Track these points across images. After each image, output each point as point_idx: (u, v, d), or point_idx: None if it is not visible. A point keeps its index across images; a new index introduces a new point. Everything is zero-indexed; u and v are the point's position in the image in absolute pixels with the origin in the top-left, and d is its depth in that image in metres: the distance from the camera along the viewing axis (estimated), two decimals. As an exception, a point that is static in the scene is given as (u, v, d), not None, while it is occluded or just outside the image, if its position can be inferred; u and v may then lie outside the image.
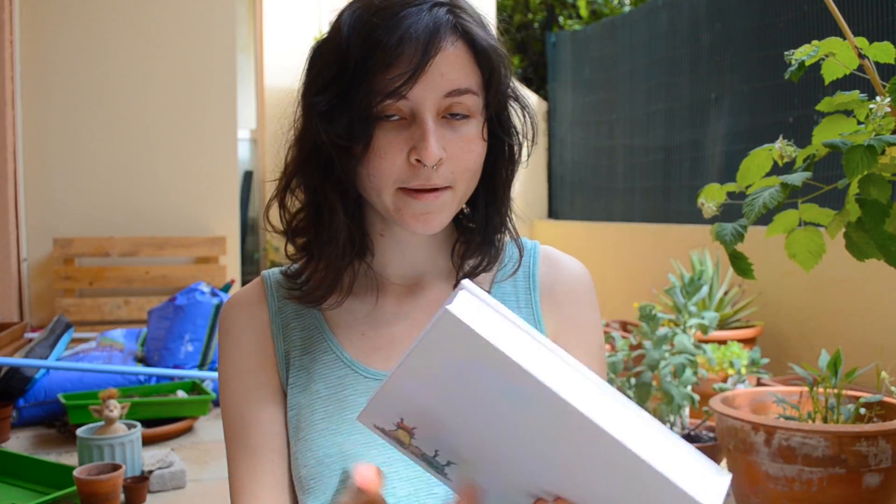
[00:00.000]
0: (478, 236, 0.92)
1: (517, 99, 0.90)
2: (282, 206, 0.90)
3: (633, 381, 2.54)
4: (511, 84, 0.88)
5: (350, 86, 0.80)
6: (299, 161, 0.87)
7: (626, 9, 6.93)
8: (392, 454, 0.85)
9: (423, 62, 0.78)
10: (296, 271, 0.93)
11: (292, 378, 0.91)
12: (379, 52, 0.79)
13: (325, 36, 0.86)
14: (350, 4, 0.84)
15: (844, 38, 1.42)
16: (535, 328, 0.92)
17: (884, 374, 2.15)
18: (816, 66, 1.49)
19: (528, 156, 0.93)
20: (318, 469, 0.85)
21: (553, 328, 0.93)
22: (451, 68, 0.80)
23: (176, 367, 3.53)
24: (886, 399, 2.05)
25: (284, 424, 0.90)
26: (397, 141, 0.81)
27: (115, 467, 2.25)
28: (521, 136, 0.90)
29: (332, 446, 0.85)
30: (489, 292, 0.94)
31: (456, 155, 0.82)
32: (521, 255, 0.96)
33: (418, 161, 0.80)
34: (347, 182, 0.85)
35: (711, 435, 2.50)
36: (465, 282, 0.62)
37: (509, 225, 0.94)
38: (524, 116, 0.90)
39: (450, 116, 0.82)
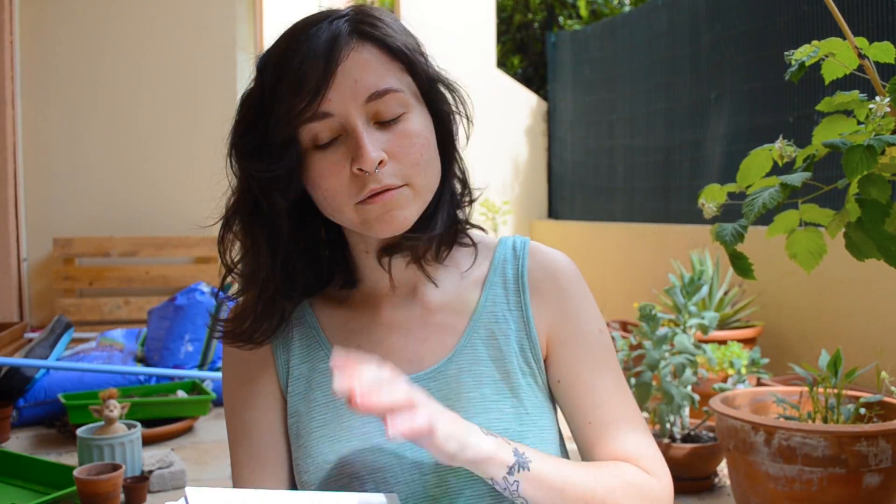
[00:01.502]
0: (424, 221, 0.90)
1: (442, 81, 0.90)
2: (223, 253, 0.91)
3: (633, 381, 2.54)
4: (433, 69, 0.88)
5: (269, 118, 0.82)
6: (235, 204, 0.89)
7: (626, 9, 6.93)
8: (389, 459, 0.86)
9: (326, 77, 0.79)
10: (236, 315, 0.93)
11: (292, 386, 0.92)
12: (286, 78, 0.80)
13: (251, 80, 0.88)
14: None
15: (844, 38, 1.42)
16: (524, 328, 0.92)
17: (884, 374, 2.15)
18: (816, 66, 1.49)
19: (468, 137, 0.93)
20: (318, 475, 0.86)
21: (544, 324, 0.93)
22: (364, 73, 0.81)
23: (176, 367, 3.53)
24: (886, 399, 2.05)
25: (285, 431, 0.92)
26: (336, 158, 0.82)
27: (115, 467, 2.25)
28: (454, 117, 0.90)
29: (330, 452, 0.87)
30: (481, 294, 0.94)
31: (398, 152, 0.82)
32: (515, 256, 0.96)
33: (360, 170, 0.80)
34: (277, 218, 0.86)
35: (711, 435, 2.50)
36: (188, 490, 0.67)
37: (456, 207, 0.93)
38: (453, 97, 0.90)
39: (384, 122, 0.82)
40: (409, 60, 0.84)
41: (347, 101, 0.80)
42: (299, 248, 0.91)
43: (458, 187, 0.93)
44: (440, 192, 0.89)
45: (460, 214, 0.93)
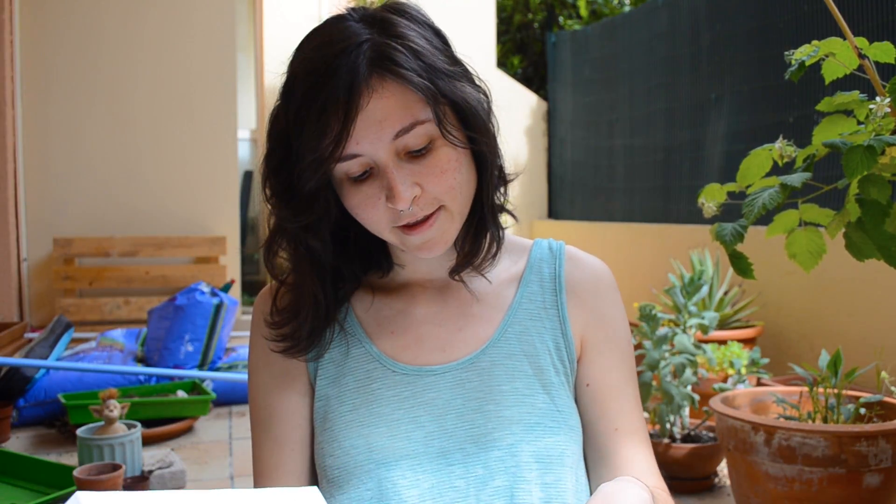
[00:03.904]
0: (467, 227, 0.90)
1: (478, 98, 0.85)
2: (270, 270, 0.91)
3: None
4: (456, 86, 0.83)
5: (296, 164, 0.82)
6: (272, 235, 0.90)
7: (626, 9, 6.93)
8: (417, 447, 0.87)
9: (348, 124, 0.77)
10: (277, 322, 0.93)
11: (322, 370, 0.93)
12: (310, 124, 0.79)
13: (276, 106, 0.86)
14: (289, 64, 0.84)
15: (844, 38, 1.42)
16: (560, 328, 0.93)
17: (884, 374, 2.15)
18: (816, 66, 1.49)
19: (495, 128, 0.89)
20: (344, 460, 0.87)
21: (580, 326, 0.94)
22: (387, 111, 0.79)
23: (176, 367, 3.53)
24: (886, 399, 2.05)
25: (309, 415, 0.93)
26: (371, 192, 0.82)
27: (115, 467, 2.25)
28: (484, 134, 0.85)
29: (358, 437, 0.88)
30: (517, 291, 0.95)
31: (431, 183, 0.82)
32: (551, 256, 0.97)
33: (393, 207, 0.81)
34: (316, 252, 0.87)
35: (711, 435, 2.50)
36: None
37: (494, 214, 0.91)
38: (477, 93, 0.86)
39: (413, 152, 0.81)
40: (431, 90, 0.80)
41: (375, 142, 0.79)
42: (343, 252, 0.92)
43: (495, 173, 0.91)
44: (480, 201, 0.89)
45: (496, 199, 0.92)
